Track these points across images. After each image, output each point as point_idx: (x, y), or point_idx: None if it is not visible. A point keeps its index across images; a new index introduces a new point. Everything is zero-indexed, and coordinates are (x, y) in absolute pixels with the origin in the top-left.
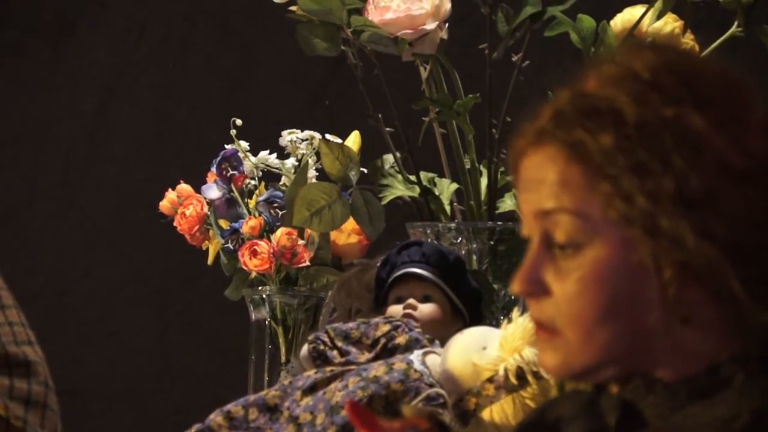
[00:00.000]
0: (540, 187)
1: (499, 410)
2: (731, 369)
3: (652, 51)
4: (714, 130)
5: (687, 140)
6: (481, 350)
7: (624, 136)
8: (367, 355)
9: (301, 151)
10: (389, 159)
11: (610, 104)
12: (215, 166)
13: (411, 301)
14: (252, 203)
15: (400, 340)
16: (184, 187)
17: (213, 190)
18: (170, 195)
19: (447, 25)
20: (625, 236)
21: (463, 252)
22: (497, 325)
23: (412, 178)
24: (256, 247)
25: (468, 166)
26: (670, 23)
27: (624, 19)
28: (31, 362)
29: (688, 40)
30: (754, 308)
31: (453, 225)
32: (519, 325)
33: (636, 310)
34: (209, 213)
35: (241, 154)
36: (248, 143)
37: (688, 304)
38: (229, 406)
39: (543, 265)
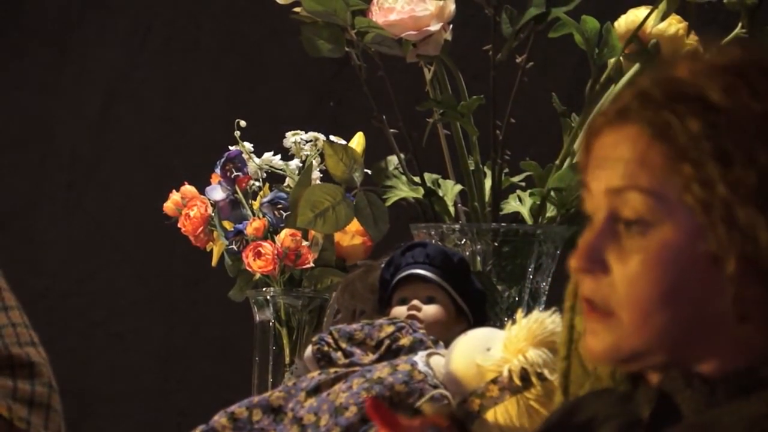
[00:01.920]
0: (615, 164)
1: (503, 411)
2: None
3: (741, 48)
4: None
5: None
6: (485, 351)
7: (711, 124)
8: (371, 357)
9: (306, 153)
10: (393, 160)
11: (700, 92)
12: (219, 167)
13: (415, 302)
14: (256, 204)
15: (404, 341)
16: (188, 189)
17: (217, 192)
18: (174, 196)
19: (451, 26)
20: (697, 223)
21: (467, 253)
22: (501, 326)
23: (416, 179)
24: (260, 249)
25: (472, 168)
26: (674, 24)
27: (628, 20)
28: (34, 363)
29: (692, 41)
30: None
31: (457, 226)
32: (523, 326)
33: (696, 299)
34: (213, 214)
35: (245, 156)
36: (252, 144)
37: (747, 301)
38: (233, 408)
39: (605, 243)
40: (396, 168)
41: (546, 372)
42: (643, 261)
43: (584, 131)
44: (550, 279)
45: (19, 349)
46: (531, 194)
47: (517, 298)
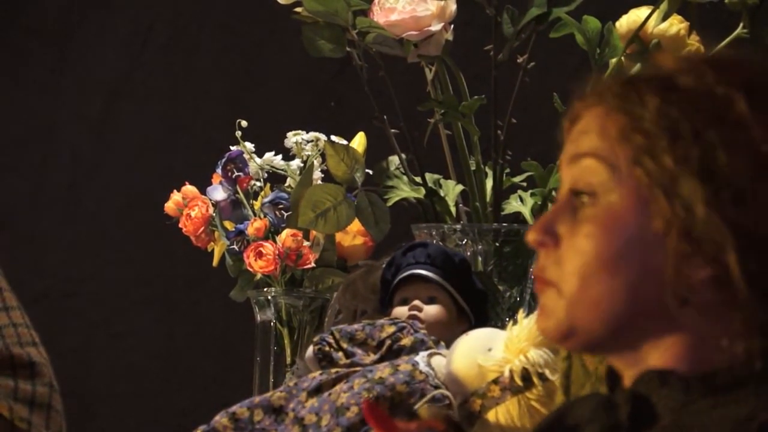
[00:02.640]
0: (578, 136)
1: (505, 412)
2: (747, 366)
3: (727, 49)
4: (756, 119)
5: (727, 119)
6: (486, 352)
7: (670, 101)
8: (373, 357)
9: (307, 153)
10: (394, 160)
11: (668, 73)
12: (220, 167)
13: (416, 302)
14: (257, 205)
15: (406, 341)
16: (189, 189)
17: (218, 192)
18: (175, 196)
19: (452, 26)
20: (644, 196)
21: (469, 253)
22: (502, 326)
23: (418, 179)
24: (261, 249)
25: (473, 168)
26: (676, 24)
27: (629, 20)
28: (35, 363)
29: (694, 42)
30: (753, 301)
31: (458, 226)
32: (524, 326)
33: (636, 274)
34: (214, 214)
35: (246, 156)
36: (253, 144)
37: (689, 284)
38: (234, 408)
39: (561, 217)
40: (397, 168)
41: (547, 372)
42: (589, 229)
43: (564, 118)
44: None
45: (20, 349)
46: (532, 194)
47: (518, 299)
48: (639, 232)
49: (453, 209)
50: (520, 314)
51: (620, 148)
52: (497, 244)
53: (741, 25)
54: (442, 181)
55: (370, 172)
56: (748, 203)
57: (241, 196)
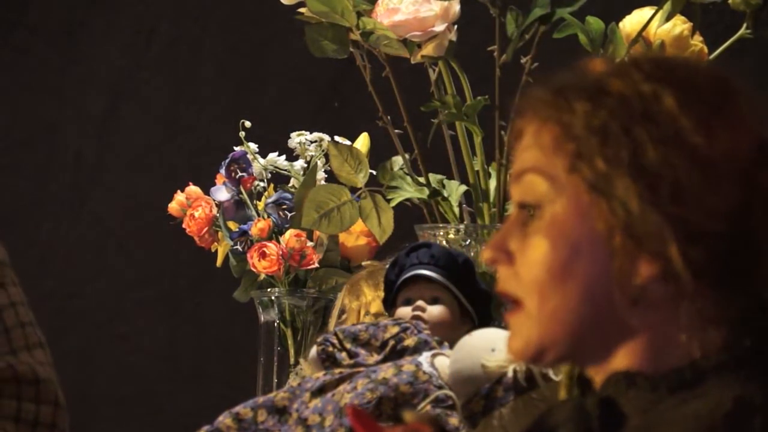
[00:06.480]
0: (523, 152)
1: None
2: (707, 360)
3: (654, 51)
4: (685, 112)
5: (655, 115)
6: (489, 352)
7: (599, 105)
8: (376, 357)
9: (310, 153)
10: (398, 161)
11: (596, 78)
12: (224, 168)
13: (420, 302)
14: (261, 205)
15: (409, 341)
16: (193, 189)
17: (222, 192)
18: (179, 197)
19: (456, 27)
20: (584, 202)
21: (472, 254)
22: (506, 327)
23: (421, 180)
24: (265, 249)
25: (477, 168)
26: (679, 25)
27: (633, 21)
28: (40, 381)
29: (697, 42)
30: (701, 292)
31: (462, 227)
32: None
33: (587, 280)
34: (218, 215)
35: (250, 156)
36: (257, 145)
37: (638, 283)
38: (238, 408)
39: (512, 233)
40: (401, 169)
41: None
42: (537, 242)
43: (509, 137)
44: None
45: (26, 359)
46: None
47: None
48: (584, 239)
49: (456, 209)
50: None
51: (556, 158)
52: None
53: (744, 25)
54: (445, 181)
55: (374, 172)
56: (684, 195)
57: (245, 196)
